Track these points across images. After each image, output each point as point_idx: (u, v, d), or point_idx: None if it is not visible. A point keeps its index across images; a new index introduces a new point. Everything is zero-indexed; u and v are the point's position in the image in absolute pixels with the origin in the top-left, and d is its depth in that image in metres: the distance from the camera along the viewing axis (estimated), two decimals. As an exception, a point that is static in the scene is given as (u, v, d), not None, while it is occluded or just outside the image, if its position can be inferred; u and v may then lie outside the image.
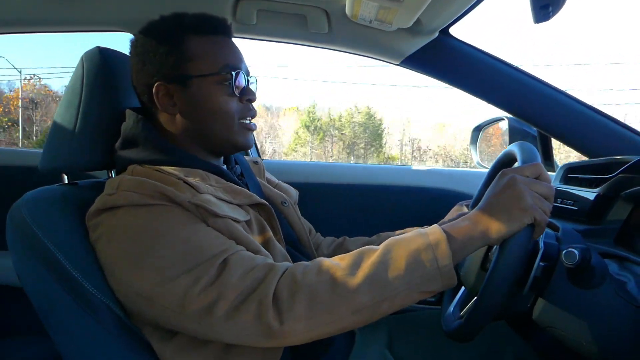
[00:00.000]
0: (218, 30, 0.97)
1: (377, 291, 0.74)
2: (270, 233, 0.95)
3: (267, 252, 0.89)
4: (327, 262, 0.79)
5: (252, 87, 1.01)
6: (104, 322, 0.85)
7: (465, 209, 1.17)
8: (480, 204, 0.80)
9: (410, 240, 0.78)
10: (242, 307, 0.75)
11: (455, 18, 1.27)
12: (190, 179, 0.88)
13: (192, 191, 0.86)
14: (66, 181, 1.02)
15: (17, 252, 0.88)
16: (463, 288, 1.10)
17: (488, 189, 0.81)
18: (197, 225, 0.83)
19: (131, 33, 1.48)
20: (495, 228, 0.76)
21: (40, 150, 1.02)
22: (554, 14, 0.91)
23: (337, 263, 0.78)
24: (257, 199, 0.97)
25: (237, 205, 0.93)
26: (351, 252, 0.81)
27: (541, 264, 0.85)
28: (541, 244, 0.86)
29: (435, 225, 0.81)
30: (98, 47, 1.00)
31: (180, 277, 0.77)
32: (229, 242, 0.83)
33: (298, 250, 1.07)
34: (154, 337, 0.86)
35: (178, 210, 0.83)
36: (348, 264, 0.77)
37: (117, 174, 0.96)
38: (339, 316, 0.75)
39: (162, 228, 0.81)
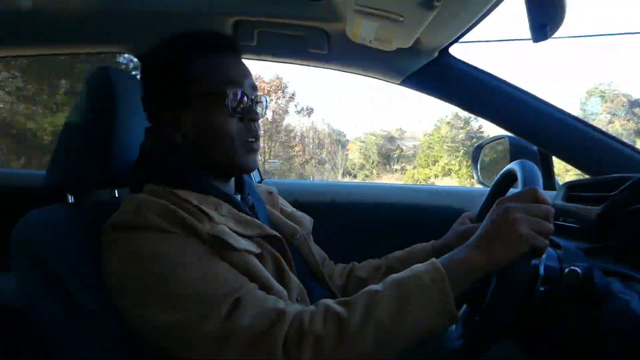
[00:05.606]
0: (219, 48, 0.96)
1: (382, 341, 0.74)
2: (285, 265, 0.93)
3: (280, 286, 0.87)
4: (333, 308, 0.78)
5: (257, 106, 0.99)
6: (106, 342, 0.84)
7: (469, 222, 1.18)
8: (477, 234, 0.80)
9: (412, 284, 0.77)
10: (252, 352, 0.74)
11: (455, 38, 1.29)
12: (204, 207, 0.87)
13: (209, 221, 0.85)
14: (70, 200, 1.02)
15: (21, 271, 0.88)
16: (465, 306, 1.09)
17: (485, 219, 0.81)
18: (212, 261, 0.82)
19: (134, 55, 1.50)
20: (492, 260, 0.76)
21: (39, 172, 1.02)
22: (552, 33, 0.93)
23: (343, 311, 0.77)
24: (269, 230, 0.94)
25: (248, 237, 0.90)
26: (355, 298, 0.79)
27: (541, 288, 0.84)
28: (541, 270, 0.85)
29: (433, 261, 0.80)
30: (103, 67, 1.01)
31: (190, 315, 0.76)
32: (241, 279, 0.82)
33: (312, 281, 1.05)
34: (159, 353, 0.83)
35: (196, 242, 0.82)
36: (353, 313, 0.76)
37: (131, 191, 0.95)
38: None
39: (179, 260, 0.79)
